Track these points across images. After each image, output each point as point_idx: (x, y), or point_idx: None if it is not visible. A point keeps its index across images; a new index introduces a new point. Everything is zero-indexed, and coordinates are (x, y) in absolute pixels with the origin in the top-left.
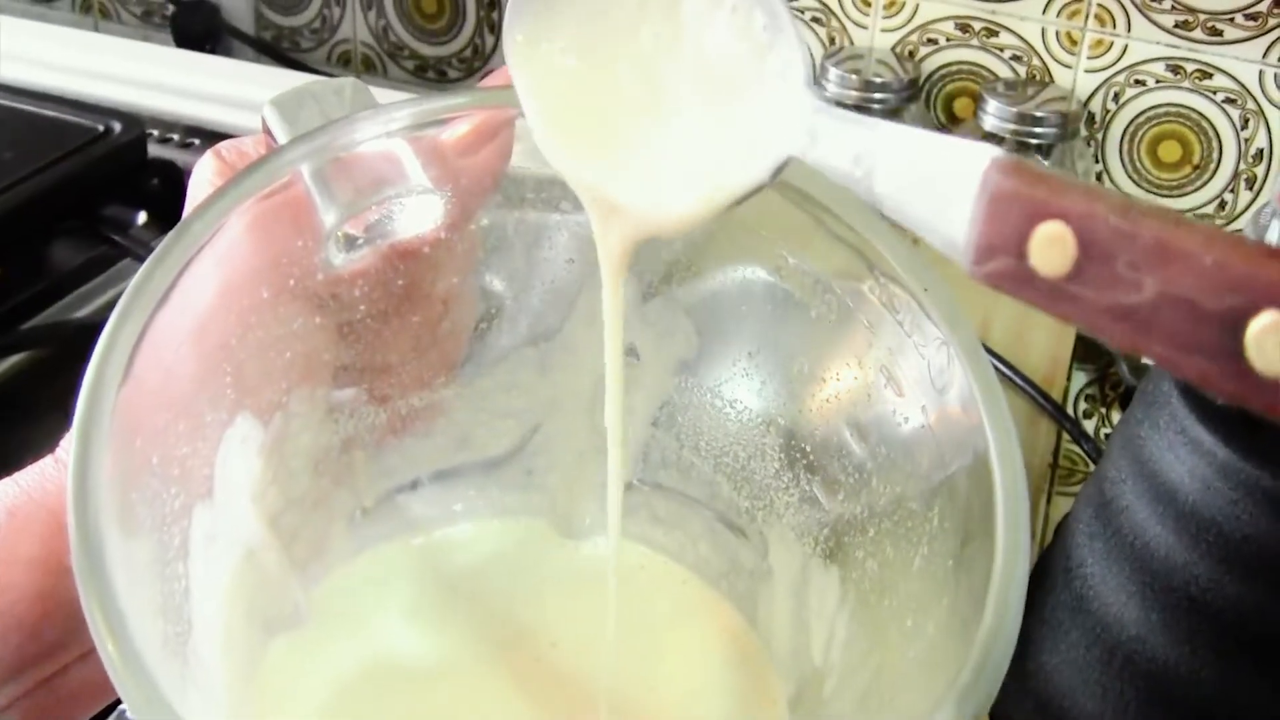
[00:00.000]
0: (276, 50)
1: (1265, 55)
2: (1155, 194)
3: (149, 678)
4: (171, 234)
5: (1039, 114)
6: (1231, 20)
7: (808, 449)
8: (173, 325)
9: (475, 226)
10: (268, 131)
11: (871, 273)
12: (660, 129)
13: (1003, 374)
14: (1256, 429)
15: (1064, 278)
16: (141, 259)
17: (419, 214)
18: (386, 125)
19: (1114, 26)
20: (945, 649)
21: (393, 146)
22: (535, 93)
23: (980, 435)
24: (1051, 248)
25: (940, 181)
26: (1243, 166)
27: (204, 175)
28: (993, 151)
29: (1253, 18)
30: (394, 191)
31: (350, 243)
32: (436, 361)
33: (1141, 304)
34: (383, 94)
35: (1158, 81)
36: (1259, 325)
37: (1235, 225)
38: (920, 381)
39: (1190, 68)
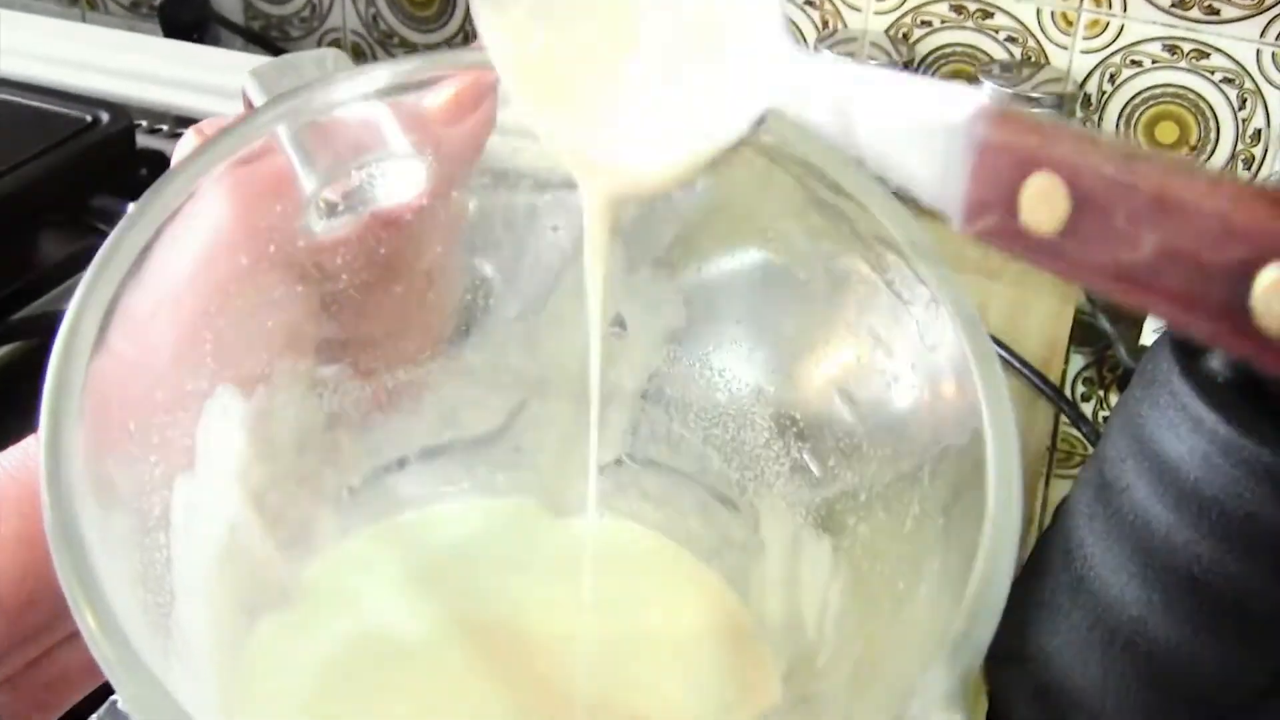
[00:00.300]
0: (265, 39)
1: (1263, 34)
2: None
3: (128, 645)
4: (142, 199)
5: (1035, 96)
6: None
7: (797, 416)
8: (148, 292)
9: (459, 196)
10: (249, 105)
11: (860, 235)
12: (632, 89)
13: (1000, 357)
14: (1257, 405)
15: (1057, 234)
16: None
17: (401, 181)
18: (365, 86)
19: (1109, 6)
20: (937, 611)
21: (372, 111)
22: (505, 56)
23: (969, 385)
24: (1042, 202)
25: (925, 132)
26: (1240, 147)
27: (185, 152)
28: (979, 99)
29: None
30: (374, 156)
31: (331, 209)
32: (421, 335)
33: (1141, 260)
34: None
35: (1154, 62)
36: (1267, 279)
37: None
38: (910, 340)
39: (1187, 47)
